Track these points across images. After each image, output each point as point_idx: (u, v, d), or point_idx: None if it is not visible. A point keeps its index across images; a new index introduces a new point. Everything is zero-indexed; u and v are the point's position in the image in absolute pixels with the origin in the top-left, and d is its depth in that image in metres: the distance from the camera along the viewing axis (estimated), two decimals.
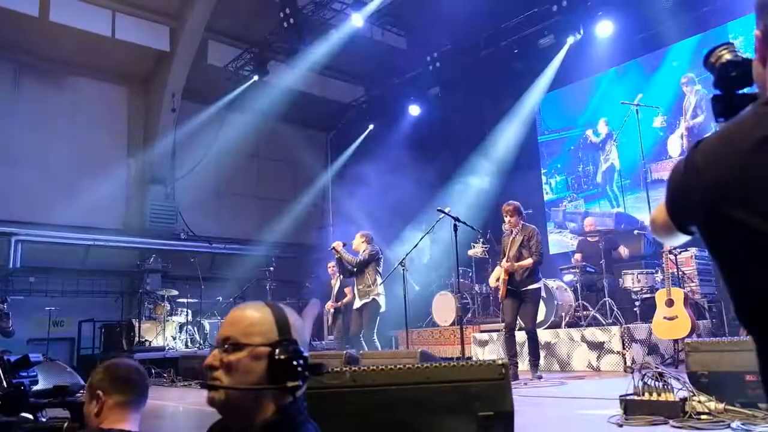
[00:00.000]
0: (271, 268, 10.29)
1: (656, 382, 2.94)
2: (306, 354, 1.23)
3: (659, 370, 2.93)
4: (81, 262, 11.15)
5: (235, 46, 12.07)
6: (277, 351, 1.20)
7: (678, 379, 2.95)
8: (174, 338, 9.60)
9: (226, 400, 1.21)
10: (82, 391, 2.19)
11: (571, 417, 3.53)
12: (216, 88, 12.05)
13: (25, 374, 2.04)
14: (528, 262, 5.87)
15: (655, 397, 2.92)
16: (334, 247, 6.87)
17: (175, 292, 10.05)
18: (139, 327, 9.35)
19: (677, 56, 9.32)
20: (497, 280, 5.99)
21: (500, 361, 1.91)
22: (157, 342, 9.35)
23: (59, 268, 10.99)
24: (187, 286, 10.74)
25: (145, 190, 12.09)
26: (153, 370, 8.53)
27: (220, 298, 10.87)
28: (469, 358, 7.09)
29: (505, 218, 6.09)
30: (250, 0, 11.41)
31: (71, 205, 10.72)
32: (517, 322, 6.00)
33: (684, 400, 2.86)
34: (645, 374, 2.96)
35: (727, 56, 1.08)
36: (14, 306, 9.55)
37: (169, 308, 9.77)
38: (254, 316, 1.25)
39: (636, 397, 2.98)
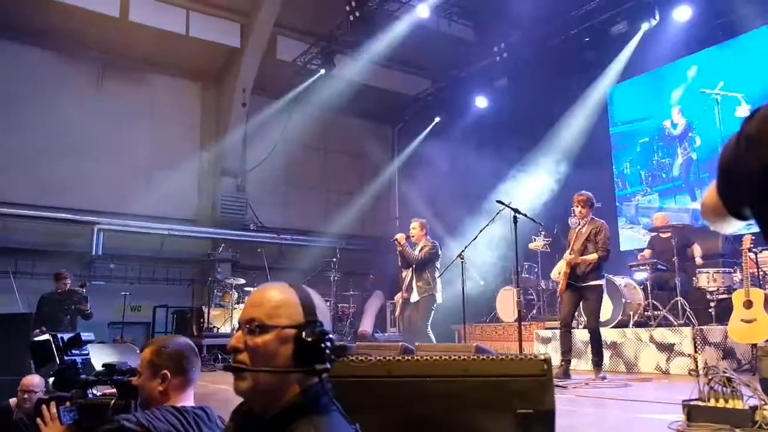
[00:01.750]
0: (335, 259, 10.38)
1: (724, 388, 2.74)
2: (332, 336, 1.20)
3: (727, 374, 2.73)
4: (157, 251, 11.65)
5: (303, 41, 12.24)
6: (304, 333, 1.18)
7: (749, 386, 2.74)
8: None
9: (253, 386, 1.19)
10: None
11: (629, 420, 3.36)
12: (284, 83, 12.28)
13: (77, 352, 2.14)
14: (593, 257, 5.65)
15: (722, 404, 2.72)
16: (396, 240, 6.86)
17: (243, 281, 10.33)
18: (208, 313, 9.68)
19: (763, 41, 8.69)
20: (559, 273, 5.81)
21: (542, 357, 1.82)
22: (225, 328, 9.66)
23: (137, 256, 11.54)
24: (255, 275, 11.02)
25: (217, 182, 12.49)
26: (219, 355, 8.84)
27: None
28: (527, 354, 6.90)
29: (575, 208, 5.88)
30: None
31: (148, 196, 11.23)
32: (579, 319, 5.80)
33: (754, 408, 2.65)
34: (712, 379, 2.77)
35: None
36: (95, 291, 10.10)
37: (236, 296, 10.06)
38: (279, 297, 1.23)
39: (701, 403, 2.80)
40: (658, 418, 3.13)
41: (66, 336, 2.11)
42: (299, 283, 1.29)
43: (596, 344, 5.71)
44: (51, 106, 10.70)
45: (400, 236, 6.87)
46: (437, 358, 1.81)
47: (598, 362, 5.69)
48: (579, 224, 5.89)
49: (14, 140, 10.24)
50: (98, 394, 2.12)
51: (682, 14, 8.63)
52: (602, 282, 5.83)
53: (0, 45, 10.45)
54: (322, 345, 1.17)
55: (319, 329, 1.19)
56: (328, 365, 1.16)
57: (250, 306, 1.25)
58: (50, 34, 10.72)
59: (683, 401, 2.88)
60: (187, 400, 1.94)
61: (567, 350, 5.70)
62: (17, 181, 10.27)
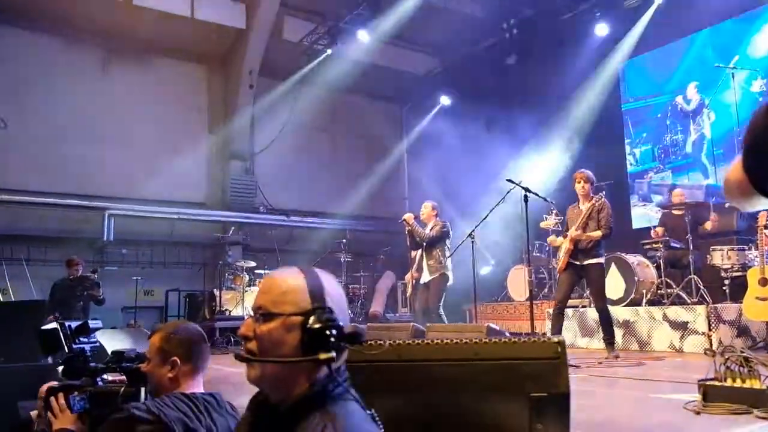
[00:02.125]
0: (344, 240, 10.36)
1: (741, 368, 2.69)
2: (342, 323, 1.16)
3: (744, 354, 2.68)
4: (168, 235, 11.69)
5: (310, 20, 12.11)
6: (310, 320, 1.14)
7: (766, 365, 2.69)
8: None
9: (261, 375, 1.16)
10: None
11: (644, 400, 3.33)
12: (291, 63, 12.18)
13: (85, 340, 2.12)
14: (597, 233, 5.60)
15: (738, 383, 2.67)
16: (405, 220, 6.82)
17: (253, 264, 10.36)
18: (220, 297, 9.72)
19: None
20: (559, 245, 5.78)
21: (556, 339, 1.78)
22: (237, 311, 9.70)
23: (148, 240, 11.59)
24: (265, 258, 11.04)
25: (226, 165, 12.48)
26: (232, 338, 8.89)
27: None
28: (537, 333, 6.88)
29: (577, 184, 5.80)
30: None
31: (157, 181, 11.23)
32: (590, 298, 5.75)
33: None
34: (728, 358, 2.72)
35: None
36: (108, 276, 10.19)
37: (247, 279, 10.09)
38: (286, 284, 1.19)
39: (717, 383, 2.75)
40: (673, 398, 3.09)
41: (74, 324, 2.10)
42: (311, 268, 1.25)
43: (606, 323, 5.67)
44: (57, 92, 10.69)
45: (408, 216, 6.83)
46: (448, 341, 1.78)
47: (610, 341, 5.65)
48: (578, 203, 5.84)
49: (22, 127, 10.25)
50: (109, 380, 2.11)
51: None
52: (603, 260, 5.78)
53: (5, 31, 10.42)
54: (327, 332, 1.13)
55: (327, 316, 1.15)
56: (333, 354, 1.12)
57: (260, 293, 1.23)
58: (55, 20, 10.67)
59: (699, 381, 2.83)
60: (197, 387, 1.93)
61: (558, 332, 5.62)
62: (27, 169, 10.31)
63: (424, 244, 6.60)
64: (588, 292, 5.72)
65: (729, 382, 2.71)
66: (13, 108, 10.18)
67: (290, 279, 1.20)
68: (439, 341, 1.78)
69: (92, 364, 2.09)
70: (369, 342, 1.65)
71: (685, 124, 9.56)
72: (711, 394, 2.74)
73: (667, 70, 9.74)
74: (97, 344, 2.20)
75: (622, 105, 10.54)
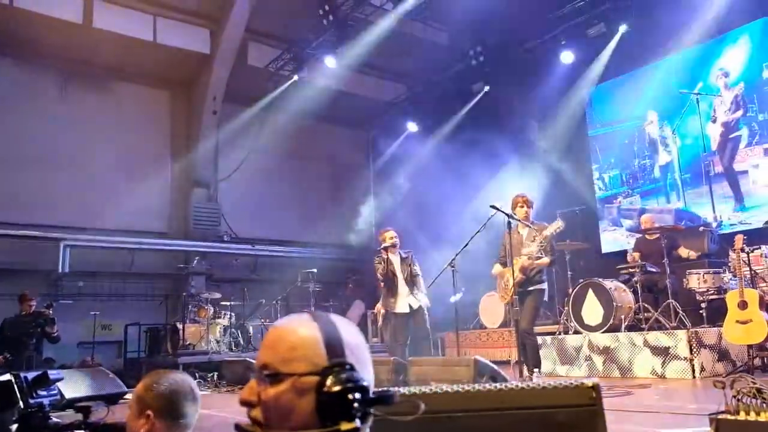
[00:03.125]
0: (315, 270, 10.08)
1: (753, 399, 2.56)
2: (366, 383, 0.94)
3: (757, 385, 2.55)
4: (127, 266, 11.22)
5: (275, 47, 11.97)
6: (328, 382, 0.92)
7: None
8: (218, 342, 9.51)
9: None
10: (123, 400, 1.99)
11: None
12: (256, 89, 11.99)
13: (44, 393, 1.84)
14: (545, 261, 5.52)
15: (753, 417, 2.54)
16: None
17: (218, 295, 9.97)
18: (183, 330, 9.28)
19: (737, 42, 8.73)
20: (503, 276, 5.70)
21: (590, 383, 1.59)
22: (201, 346, 9.27)
23: (106, 272, 11.09)
24: (230, 288, 10.67)
25: (189, 193, 12.11)
26: (197, 374, 8.45)
27: (263, 300, 10.75)
28: (522, 361, 6.72)
29: (519, 209, 5.70)
30: None
31: (117, 209, 10.80)
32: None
33: None
34: (740, 390, 2.58)
35: None
36: (64, 310, 9.64)
37: (212, 311, 9.68)
38: (296, 335, 0.96)
39: (729, 416, 2.61)
40: None
41: (31, 375, 1.82)
42: (326, 313, 1.03)
43: (533, 350, 5.57)
44: (12, 116, 10.24)
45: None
46: (470, 389, 1.58)
47: (536, 366, 5.55)
48: (518, 228, 5.73)
49: None
50: None
51: (659, 16, 8.60)
52: (545, 286, 5.72)
53: None
54: (350, 396, 0.91)
55: (347, 375, 0.92)
56: (357, 424, 0.90)
57: (264, 348, 0.99)
58: (10, 41, 10.25)
59: (710, 415, 2.69)
60: None
61: (525, 359, 5.54)
62: None
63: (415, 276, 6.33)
64: (526, 315, 5.57)
65: (742, 416, 2.57)
66: None
67: (301, 329, 0.97)
68: (461, 389, 1.58)
69: (52, 421, 1.81)
70: (401, 402, 1.44)
71: (653, 149, 9.70)
72: (724, 429, 2.60)
73: (633, 96, 9.89)
74: (57, 396, 1.91)
75: (588, 131, 10.65)
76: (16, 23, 9.93)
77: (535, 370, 5.54)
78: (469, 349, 9.50)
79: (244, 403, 0.98)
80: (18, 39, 10.21)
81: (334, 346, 0.95)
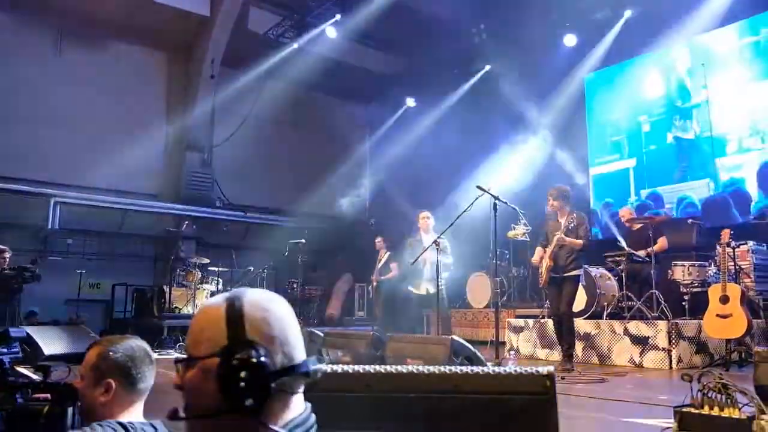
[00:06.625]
0: (304, 240, 10.06)
1: (718, 395, 2.58)
2: (264, 358, 0.88)
3: (723, 381, 2.57)
4: (118, 226, 11.20)
5: (276, 12, 11.76)
6: (224, 362, 0.88)
7: (745, 394, 2.58)
8: None
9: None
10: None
11: (616, 425, 3.20)
12: (255, 55, 11.80)
13: (5, 350, 1.83)
14: (578, 241, 5.61)
15: (716, 411, 2.56)
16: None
17: (207, 260, 9.97)
18: (170, 293, 9.30)
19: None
20: (540, 259, 5.81)
21: (545, 372, 1.58)
22: (187, 309, 9.30)
23: (96, 231, 11.07)
24: (220, 253, 10.67)
25: (183, 157, 12.03)
26: (181, 338, 8.51)
27: (252, 268, 10.77)
28: (504, 343, 6.78)
29: (548, 204, 5.88)
30: None
31: (109, 169, 10.71)
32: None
33: (752, 418, 2.49)
34: (706, 385, 2.60)
35: None
36: (52, 266, 9.66)
37: (200, 276, 9.70)
38: (205, 317, 0.94)
39: (693, 410, 2.63)
40: (646, 423, 2.97)
41: None
42: (243, 289, 0.97)
43: (568, 331, 5.71)
44: (6, 70, 10.09)
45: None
46: (425, 371, 1.57)
47: (568, 351, 5.69)
48: (556, 216, 5.86)
49: None
50: (31, 396, 1.83)
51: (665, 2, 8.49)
52: (581, 272, 5.93)
53: None
54: (243, 374, 0.87)
55: (247, 353, 0.88)
56: (254, 403, 0.86)
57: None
58: None
59: (675, 407, 2.71)
60: (135, 415, 1.66)
61: (560, 338, 5.91)
62: None
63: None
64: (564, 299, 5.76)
65: (706, 410, 2.59)
66: None
67: (210, 309, 0.94)
68: (414, 370, 1.57)
69: (11, 379, 1.80)
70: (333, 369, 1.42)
71: (651, 135, 9.63)
72: (687, 422, 2.63)
73: (633, 83, 9.78)
74: (19, 355, 1.91)
75: (586, 115, 10.56)
76: None
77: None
78: (455, 329, 9.55)
79: (175, 387, 0.96)
80: None
81: (235, 325, 0.92)
